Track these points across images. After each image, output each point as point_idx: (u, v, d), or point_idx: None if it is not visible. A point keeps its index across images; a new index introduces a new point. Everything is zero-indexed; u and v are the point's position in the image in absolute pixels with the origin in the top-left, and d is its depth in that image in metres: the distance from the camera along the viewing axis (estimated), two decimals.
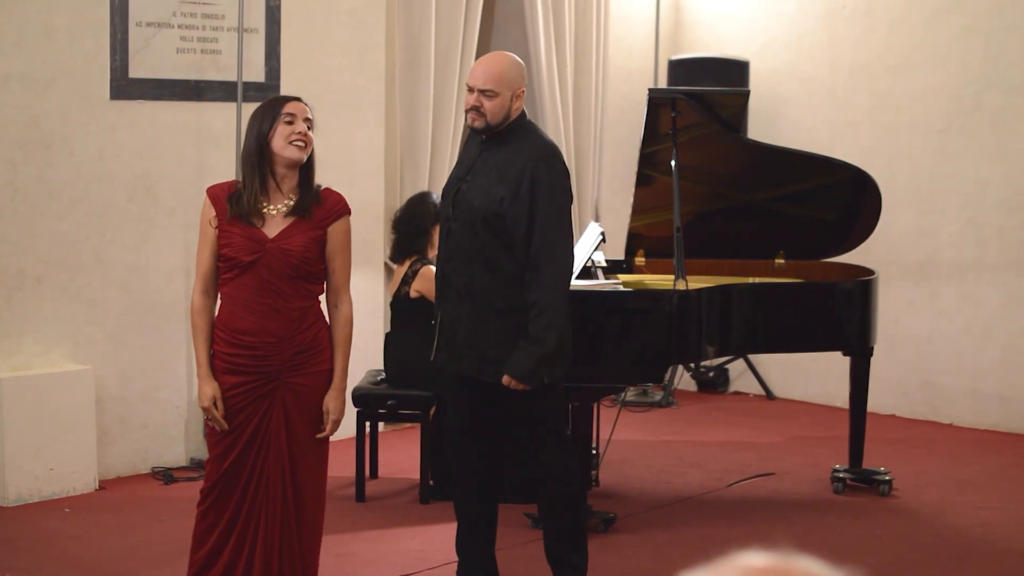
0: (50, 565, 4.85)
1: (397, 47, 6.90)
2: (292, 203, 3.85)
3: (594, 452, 5.69)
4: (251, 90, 6.21)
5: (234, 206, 3.81)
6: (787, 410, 7.80)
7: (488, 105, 4.24)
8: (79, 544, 5.09)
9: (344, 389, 3.94)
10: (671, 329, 5.11)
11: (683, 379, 8.24)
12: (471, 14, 7.15)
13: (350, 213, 3.94)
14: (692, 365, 8.09)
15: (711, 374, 8.24)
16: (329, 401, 3.90)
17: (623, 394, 6.96)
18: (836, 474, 6.00)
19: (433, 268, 5.76)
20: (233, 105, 6.18)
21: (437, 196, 6.05)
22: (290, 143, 3.80)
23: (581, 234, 5.85)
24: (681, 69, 7.95)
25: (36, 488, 5.60)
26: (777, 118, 7.98)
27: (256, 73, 6.32)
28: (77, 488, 5.70)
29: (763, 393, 8.12)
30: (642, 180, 6.03)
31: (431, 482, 5.74)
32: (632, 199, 6.12)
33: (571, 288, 4.40)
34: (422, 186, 6.83)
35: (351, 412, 5.03)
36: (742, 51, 8.09)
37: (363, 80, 6.77)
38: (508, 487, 5.02)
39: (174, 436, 6.21)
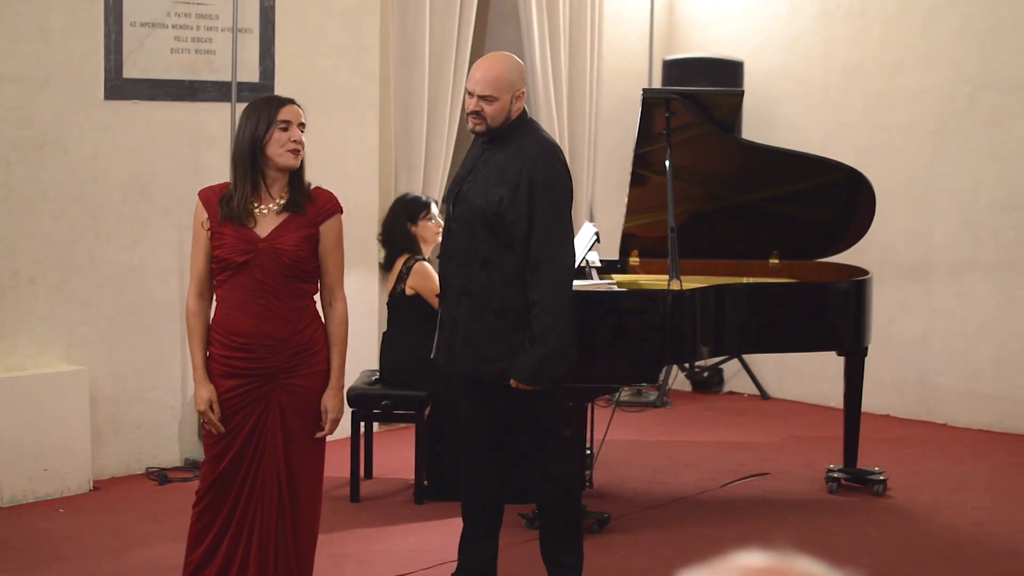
0: (44, 566, 4.84)
1: (391, 47, 6.89)
2: (283, 201, 3.86)
3: (588, 453, 5.69)
4: (245, 90, 6.21)
5: (225, 207, 3.82)
6: (781, 410, 7.81)
7: (488, 110, 4.23)
8: (73, 544, 5.08)
9: (342, 388, 3.94)
10: (665, 329, 5.11)
11: (678, 379, 8.24)
12: (465, 14, 7.15)
13: (342, 211, 3.94)
14: (687, 365, 8.10)
15: (706, 374, 8.24)
16: (327, 400, 3.90)
17: (617, 394, 6.96)
18: (831, 474, 6.01)
19: (427, 264, 5.77)
20: (227, 105, 6.19)
21: (413, 195, 6.07)
22: (286, 151, 3.81)
23: (576, 234, 5.85)
24: (675, 69, 7.95)
25: (30, 488, 5.59)
26: (771, 118, 7.98)
27: (250, 73, 6.32)
28: (71, 488, 5.70)
29: (757, 393, 8.12)
30: (636, 180, 6.03)
31: (425, 482, 5.74)
32: (626, 199, 6.14)
33: None
34: (416, 186, 6.82)
35: (346, 412, 5.02)
36: (736, 51, 8.09)
37: (357, 80, 6.77)
38: (507, 487, 5.01)
39: (168, 436, 6.20)
